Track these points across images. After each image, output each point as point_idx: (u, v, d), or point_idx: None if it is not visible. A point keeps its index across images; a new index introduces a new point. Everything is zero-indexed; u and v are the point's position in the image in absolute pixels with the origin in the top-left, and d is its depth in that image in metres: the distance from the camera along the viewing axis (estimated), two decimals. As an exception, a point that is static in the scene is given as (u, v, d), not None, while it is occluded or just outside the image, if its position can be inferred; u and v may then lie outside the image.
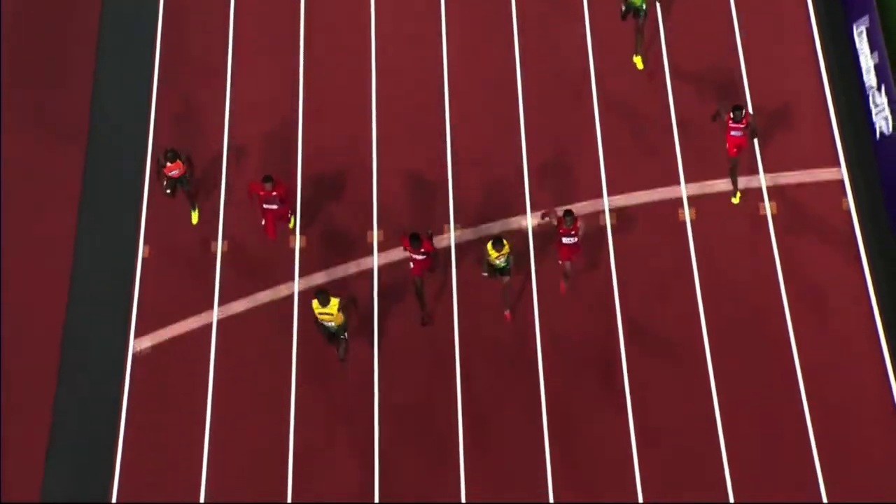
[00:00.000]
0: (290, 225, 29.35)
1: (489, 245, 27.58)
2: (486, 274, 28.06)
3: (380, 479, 27.34)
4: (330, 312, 26.65)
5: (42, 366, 28.42)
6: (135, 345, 28.60)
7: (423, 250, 27.73)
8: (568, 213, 27.66)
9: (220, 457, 27.68)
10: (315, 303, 26.70)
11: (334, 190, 30.51)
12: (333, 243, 29.81)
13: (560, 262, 28.51)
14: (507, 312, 28.63)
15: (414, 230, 28.33)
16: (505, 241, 27.42)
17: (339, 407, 28.04)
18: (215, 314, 29.09)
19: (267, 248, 29.63)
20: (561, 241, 28.01)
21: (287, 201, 28.82)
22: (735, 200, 29.71)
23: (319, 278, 29.20)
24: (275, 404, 28.08)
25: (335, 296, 26.74)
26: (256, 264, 29.29)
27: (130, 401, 28.02)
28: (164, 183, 29.31)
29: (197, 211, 29.89)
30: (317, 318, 26.95)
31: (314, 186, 30.63)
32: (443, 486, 27.19)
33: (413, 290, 28.79)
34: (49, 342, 28.61)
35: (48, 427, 27.73)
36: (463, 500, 26.93)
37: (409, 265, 28.22)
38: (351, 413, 27.99)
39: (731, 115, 28.62)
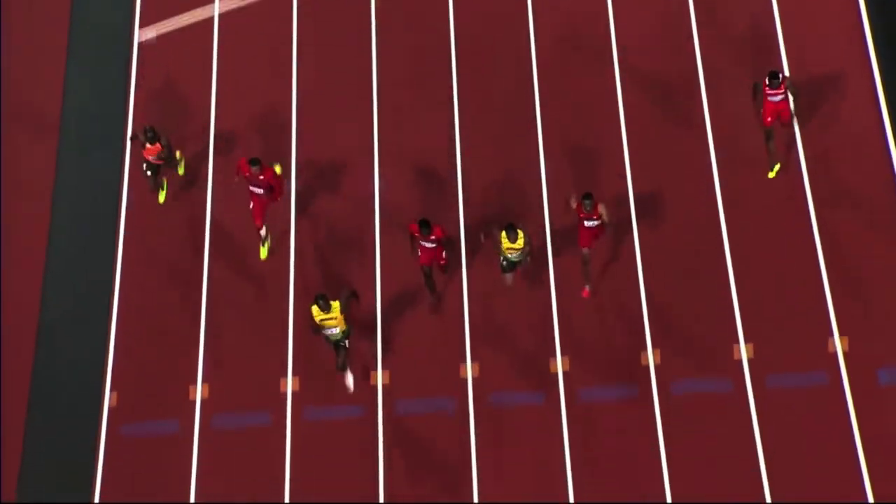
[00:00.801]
0: (263, 255, 28.44)
1: (503, 234, 26.36)
2: (506, 274, 27.13)
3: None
4: (333, 317, 25.62)
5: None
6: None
7: (433, 237, 26.70)
8: (587, 196, 26.61)
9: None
10: (315, 309, 25.73)
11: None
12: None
13: (582, 249, 27.39)
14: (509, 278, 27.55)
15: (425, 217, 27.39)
16: (520, 231, 26.31)
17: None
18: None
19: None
20: (583, 224, 26.94)
21: (275, 191, 27.95)
22: (771, 174, 28.67)
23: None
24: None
25: (335, 298, 25.86)
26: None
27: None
28: (144, 166, 28.52)
29: (164, 191, 29.15)
30: (319, 327, 26.04)
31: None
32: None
33: (421, 278, 27.85)
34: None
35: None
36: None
37: (417, 253, 27.27)
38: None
39: (767, 83, 27.84)
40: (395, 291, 28.20)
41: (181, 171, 28.89)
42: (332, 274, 28.41)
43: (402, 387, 27.33)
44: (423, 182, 29.31)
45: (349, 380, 26.81)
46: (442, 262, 27.46)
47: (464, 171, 29.41)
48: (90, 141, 30.27)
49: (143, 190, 29.39)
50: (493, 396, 27.09)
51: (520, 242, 26.28)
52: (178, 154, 28.67)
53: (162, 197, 28.99)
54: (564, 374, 27.11)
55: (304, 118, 30.26)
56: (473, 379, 27.22)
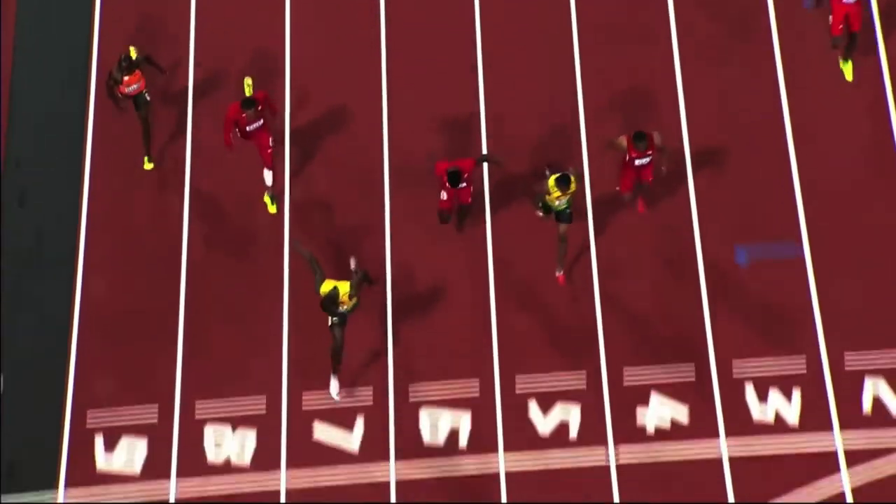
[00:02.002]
0: (272, 209, 27.12)
1: (551, 181, 25.00)
2: (540, 214, 25.68)
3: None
4: (342, 302, 24.42)
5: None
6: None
7: (465, 176, 25.84)
8: (639, 136, 25.39)
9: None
10: (322, 294, 24.59)
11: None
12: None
13: (624, 193, 26.34)
14: (559, 274, 25.99)
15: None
16: (573, 178, 25.01)
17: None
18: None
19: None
20: (633, 163, 25.63)
21: (273, 110, 26.93)
22: (847, 72, 27.44)
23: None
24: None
25: (343, 282, 24.42)
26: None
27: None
28: (120, 104, 27.03)
29: (152, 160, 27.56)
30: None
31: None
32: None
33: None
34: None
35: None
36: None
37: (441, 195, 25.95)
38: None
39: None
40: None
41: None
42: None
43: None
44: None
45: (335, 388, 25.11)
46: (468, 200, 26.30)
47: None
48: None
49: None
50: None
51: (571, 189, 25.10)
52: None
53: (148, 164, 27.47)
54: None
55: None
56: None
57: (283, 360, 25.66)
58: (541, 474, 24.52)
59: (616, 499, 24.25)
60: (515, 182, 26.82)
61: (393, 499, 24.57)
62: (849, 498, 23.69)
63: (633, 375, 25.03)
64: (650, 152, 25.50)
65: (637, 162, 25.63)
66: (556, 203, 25.19)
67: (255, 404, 25.25)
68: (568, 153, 27.04)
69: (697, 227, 26.34)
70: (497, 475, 24.51)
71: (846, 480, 23.67)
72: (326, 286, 24.22)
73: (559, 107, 27.55)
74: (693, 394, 24.63)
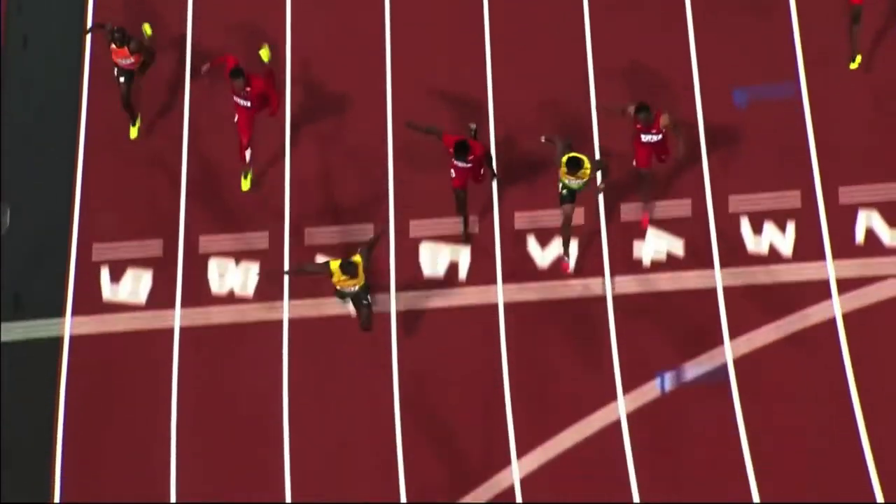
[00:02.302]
0: (245, 186, 25.68)
1: (563, 160, 23.29)
2: (565, 206, 23.88)
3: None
4: (355, 274, 23.04)
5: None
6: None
7: (471, 158, 23.93)
8: (642, 108, 23.54)
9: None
10: (337, 272, 22.91)
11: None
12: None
13: (636, 167, 24.35)
14: (564, 261, 24.43)
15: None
16: (585, 160, 23.21)
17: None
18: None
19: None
20: (640, 139, 23.89)
21: (271, 102, 25.05)
22: (853, 65, 25.50)
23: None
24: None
25: (354, 254, 23.08)
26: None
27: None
28: (115, 70, 25.59)
29: (137, 125, 26.11)
30: (336, 289, 23.44)
31: None
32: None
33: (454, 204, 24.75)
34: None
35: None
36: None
37: (450, 174, 24.18)
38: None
39: None
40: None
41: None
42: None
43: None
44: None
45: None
46: (479, 180, 24.70)
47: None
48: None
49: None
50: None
51: (585, 170, 23.38)
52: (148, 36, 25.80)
53: (134, 132, 26.06)
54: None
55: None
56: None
57: (285, 197, 25.18)
58: (539, 304, 23.98)
59: (611, 324, 23.93)
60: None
61: (393, 327, 24.20)
62: (839, 322, 23.40)
63: (630, 211, 24.47)
64: (654, 130, 23.88)
65: (644, 138, 23.95)
66: (567, 181, 23.81)
67: (259, 239, 24.78)
68: (578, 141, 25.27)
69: (697, 76, 25.72)
70: (496, 305, 24.06)
71: (837, 306, 23.40)
72: (336, 263, 23.12)
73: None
74: (689, 228, 24.11)
